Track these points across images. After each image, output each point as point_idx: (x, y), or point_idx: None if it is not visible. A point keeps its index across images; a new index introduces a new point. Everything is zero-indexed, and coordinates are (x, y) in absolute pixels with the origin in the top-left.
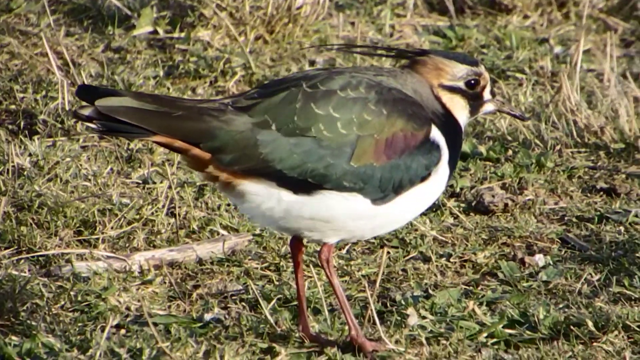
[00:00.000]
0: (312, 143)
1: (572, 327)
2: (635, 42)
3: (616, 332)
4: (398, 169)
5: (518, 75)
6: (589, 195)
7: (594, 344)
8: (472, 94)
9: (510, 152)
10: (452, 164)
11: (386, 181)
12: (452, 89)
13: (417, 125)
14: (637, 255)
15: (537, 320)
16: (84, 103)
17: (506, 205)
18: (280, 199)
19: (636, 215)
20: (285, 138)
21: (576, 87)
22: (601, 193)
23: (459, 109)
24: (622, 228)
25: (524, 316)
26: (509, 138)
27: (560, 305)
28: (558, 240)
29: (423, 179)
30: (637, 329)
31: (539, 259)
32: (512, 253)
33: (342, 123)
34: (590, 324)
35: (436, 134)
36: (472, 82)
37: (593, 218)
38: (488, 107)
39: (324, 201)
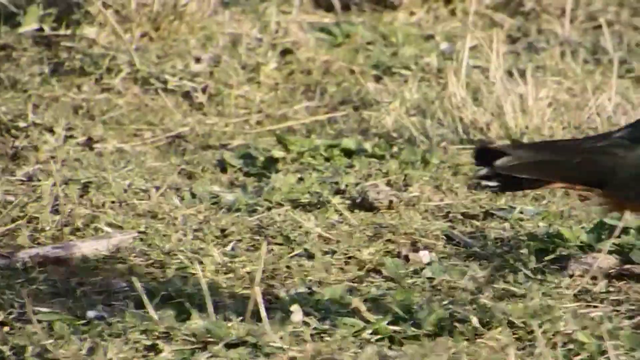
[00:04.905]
0: None
1: (456, 323)
2: (521, 38)
3: (500, 329)
4: None
5: (404, 71)
6: (474, 192)
7: (478, 340)
8: None
9: (395, 149)
10: None
11: None
12: None
13: None
14: (521, 251)
15: (421, 317)
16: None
17: (391, 202)
18: None
19: (521, 212)
20: None
21: (462, 84)
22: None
23: None
24: (507, 225)
25: (408, 313)
26: (394, 135)
27: (445, 302)
28: (443, 236)
29: None
30: (521, 325)
31: (424, 255)
32: (397, 250)
33: None
34: (474, 320)
35: None
36: None
37: (478, 215)
38: None
39: None
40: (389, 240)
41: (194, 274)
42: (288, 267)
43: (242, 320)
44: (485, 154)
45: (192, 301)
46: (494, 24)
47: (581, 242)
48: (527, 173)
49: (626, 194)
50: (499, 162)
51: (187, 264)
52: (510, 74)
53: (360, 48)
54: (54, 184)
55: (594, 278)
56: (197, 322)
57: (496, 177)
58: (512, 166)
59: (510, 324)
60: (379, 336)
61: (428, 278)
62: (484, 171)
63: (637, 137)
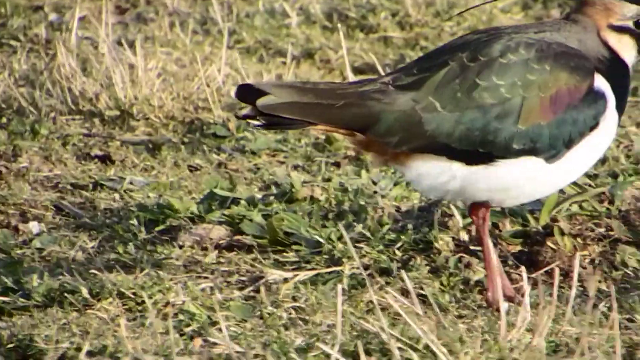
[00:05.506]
0: (477, 112)
1: (66, 294)
2: (130, 9)
3: (110, 299)
4: (565, 124)
5: (13, 42)
6: (83, 162)
7: (88, 311)
8: None
9: (4, 120)
10: (619, 108)
11: (555, 138)
12: (621, 29)
13: (580, 78)
14: (131, 222)
15: (30, 288)
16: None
17: (0, 172)
18: (454, 174)
19: (131, 183)
20: (449, 113)
21: (72, 55)
22: (96, 160)
23: (627, 50)
24: (117, 195)
25: (17, 284)
26: (3, 106)
27: (55, 273)
28: (52, 207)
29: (592, 128)
30: (131, 296)
31: (33, 226)
32: (6, 221)
33: (506, 89)
34: (84, 291)
35: (600, 83)
36: None
37: (88, 185)
38: None
39: (497, 170)
40: None
41: None
42: None
43: None
44: (248, 93)
45: None
46: None
47: (191, 213)
48: (290, 114)
49: (388, 140)
50: (261, 102)
51: None
52: (119, 44)
53: None
54: None
55: (204, 249)
56: None
57: (260, 115)
58: (275, 106)
59: (121, 295)
60: None
61: (37, 249)
62: (247, 110)
63: (402, 84)
